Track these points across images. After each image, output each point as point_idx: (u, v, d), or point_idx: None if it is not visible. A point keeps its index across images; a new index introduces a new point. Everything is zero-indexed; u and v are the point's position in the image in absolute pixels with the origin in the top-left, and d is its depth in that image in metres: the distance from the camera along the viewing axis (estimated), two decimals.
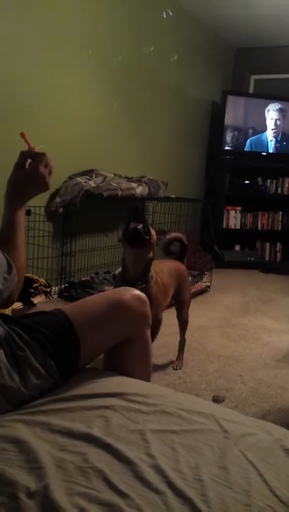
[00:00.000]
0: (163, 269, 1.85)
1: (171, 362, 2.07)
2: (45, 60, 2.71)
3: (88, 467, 0.73)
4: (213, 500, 0.68)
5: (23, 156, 1.03)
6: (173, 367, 2.03)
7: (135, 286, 1.58)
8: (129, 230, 1.60)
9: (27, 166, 1.03)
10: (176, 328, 2.55)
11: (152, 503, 0.66)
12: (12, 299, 0.98)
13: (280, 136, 4.57)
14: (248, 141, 4.54)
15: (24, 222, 1.03)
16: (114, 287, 1.77)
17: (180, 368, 2.03)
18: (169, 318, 2.64)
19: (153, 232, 1.66)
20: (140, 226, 1.58)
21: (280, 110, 4.50)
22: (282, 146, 4.58)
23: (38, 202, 2.74)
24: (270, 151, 4.58)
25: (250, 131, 4.54)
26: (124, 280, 1.67)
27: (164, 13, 1.70)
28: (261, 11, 3.85)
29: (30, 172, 1.01)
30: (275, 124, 4.53)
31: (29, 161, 1.03)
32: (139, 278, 1.65)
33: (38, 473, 0.70)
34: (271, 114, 4.52)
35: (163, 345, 2.25)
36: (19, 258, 0.97)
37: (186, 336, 2.11)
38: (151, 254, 1.67)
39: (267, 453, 0.82)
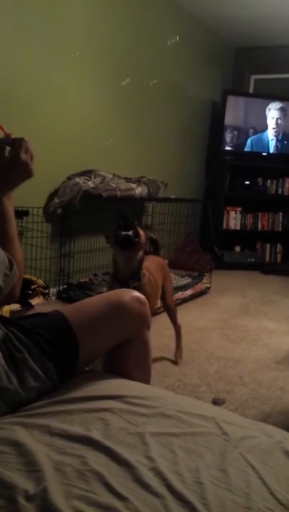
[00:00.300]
0: (150, 265, 1.90)
1: (172, 362, 2.08)
2: (44, 60, 2.71)
3: (87, 470, 0.72)
4: (213, 503, 0.68)
5: (1, 143, 0.99)
6: (175, 356, 2.10)
7: (128, 286, 1.61)
8: (120, 237, 1.63)
9: (7, 155, 0.98)
10: None
11: (151, 506, 0.66)
12: (14, 294, 0.97)
13: (280, 135, 4.57)
14: (249, 140, 4.54)
15: (13, 213, 0.99)
16: (108, 288, 1.80)
17: (181, 357, 2.10)
18: (168, 320, 2.64)
19: (141, 232, 1.70)
20: (130, 232, 1.62)
21: (281, 109, 4.50)
22: (283, 146, 4.58)
23: (37, 203, 2.74)
24: (271, 150, 4.58)
25: (251, 131, 4.54)
26: (117, 280, 1.71)
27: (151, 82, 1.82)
28: (261, 10, 3.86)
29: (11, 159, 0.98)
30: (277, 123, 4.53)
31: (8, 148, 0.99)
32: (131, 277, 1.69)
33: (36, 476, 0.70)
34: (272, 113, 4.52)
35: (163, 347, 2.24)
36: (16, 251, 0.96)
37: (179, 322, 2.19)
38: (141, 253, 1.71)
39: (267, 455, 0.81)
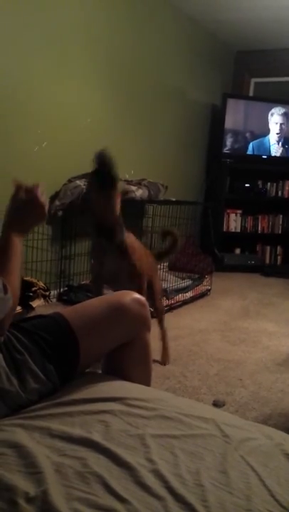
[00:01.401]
0: (138, 246, 1.90)
1: (159, 362, 2.06)
2: (44, 63, 2.72)
3: (87, 472, 0.72)
4: (214, 505, 0.68)
5: (19, 188, 1.03)
6: (162, 359, 2.06)
7: (112, 239, 1.63)
8: (98, 174, 1.63)
9: (23, 197, 1.02)
10: (177, 332, 2.54)
11: (152, 508, 0.66)
12: (3, 325, 0.92)
13: (282, 139, 4.59)
14: (251, 144, 4.55)
15: (20, 250, 1.01)
16: (92, 249, 1.81)
17: (167, 361, 2.07)
18: (170, 322, 2.63)
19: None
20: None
21: (285, 114, 4.52)
22: (285, 150, 4.60)
23: None
24: (273, 154, 4.59)
25: (251, 134, 4.55)
26: (99, 233, 1.71)
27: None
28: (261, 14, 3.87)
29: (28, 201, 1.02)
30: (280, 129, 4.55)
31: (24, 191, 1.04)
32: (112, 229, 1.68)
33: (37, 478, 0.70)
34: (275, 118, 4.53)
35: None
36: (13, 282, 0.93)
37: (165, 327, 2.13)
38: (118, 200, 1.68)
39: (267, 457, 0.81)
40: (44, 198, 1.03)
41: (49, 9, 2.69)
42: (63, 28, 2.81)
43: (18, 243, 0.99)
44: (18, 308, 2.31)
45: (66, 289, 3.00)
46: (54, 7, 2.73)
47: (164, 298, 2.93)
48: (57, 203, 2.85)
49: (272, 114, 4.52)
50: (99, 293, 1.84)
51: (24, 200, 1.01)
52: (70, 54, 2.90)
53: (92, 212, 1.70)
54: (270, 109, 4.52)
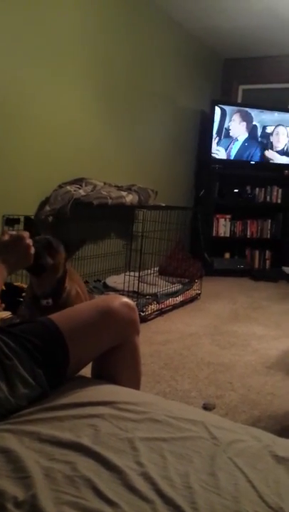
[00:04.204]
0: (77, 276, 1.79)
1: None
2: (34, 69, 2.73)
3: (77, 476, 0.72)
4: (202, 507, 0.68)
5: (4, 233, 1.05)
6: None
7: (40, 306, 1.52)
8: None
9: (7, 238, 1.04)
10: (167, 336, 2.55)
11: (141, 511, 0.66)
12: None
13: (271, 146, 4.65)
14: (240, 150, 4.60)
15: (1, 284, 1.00)
16: (23, 312, 1.68)
17: None
18: (161, 326, 2.64)
19: (60, 251, 1.55)
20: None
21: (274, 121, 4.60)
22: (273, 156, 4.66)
23: (28, 211, 2.74)
24: (261, 160, 4.64)
25: (238, 139, 4.60)
26: (32, 302, 1.59)
27: None
28: (249, 22, 3.93)
29: (15, 239, 1.03)
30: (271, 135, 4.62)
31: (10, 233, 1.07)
32: (46, 295, 1.56)
33: (25, 482, 0.69)
34: (281, 129, 4.61)
35: (153, 353, 2.24)
36: None
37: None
38: (60, 273, 1.56)
39: (256, 459, 0.82)
40: (29, 241, 1.05)
41: (42, 15, 2.70)
42: (55, 35, 2.82)
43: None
44: (8, 314, 2.30)
45: None
46: (46, 13, 2.74)
47: (155, 302, 2.94)
48: (47, 208, 2.85)
49: (277, 133, 4.58)
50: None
51: (9, 240, 1.03)
52: (61, 62, 2.91)
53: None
54: (258, 116, 4.58)
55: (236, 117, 4.57)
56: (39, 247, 1.40)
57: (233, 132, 4.58)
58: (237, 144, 4.59)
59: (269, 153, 4.67)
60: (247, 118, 4.58)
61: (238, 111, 4.60)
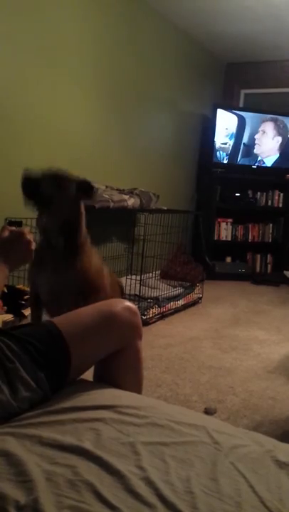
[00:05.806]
0: (99, 260, 1.67)
1: None
2: (33, 73, 2.74)
3: (78, 480, 0.72)
4: None
5: (4, 229, 1.05)
6: None
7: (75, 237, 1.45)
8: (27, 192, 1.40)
9: (7, 234, 1.04)
10: (168, 340, 2.55)
11: None
12: None
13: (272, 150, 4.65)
14: (241, 154, 4.60)
15: (3, 283, 1.01)
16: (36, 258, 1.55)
17: None
18: (162, 330, 2.64)
19: (69, 183, 1.44)
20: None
21: (275, 125, 4.59)
22: (276, 160, 4.67)
23: (30, 213, 2.74)
24: (263, 164, 4.65)
25: (241, 144, 4.61)
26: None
27: None
28: (251, 27, 3.95)
29: (16, 235, 1.04)
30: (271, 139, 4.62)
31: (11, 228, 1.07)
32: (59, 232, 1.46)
33: (27, 486, 0.69)
34: (265, 128, 4.60)
35: (154, 357, 2.24)
36: None
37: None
38: (70, 208, 1.45)
39: (257, 464, 0.82)
40: (31, 236, 1.05)
41: (41, 18, 2.72)
42: (55, 38, 2.84)
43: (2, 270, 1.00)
44: (10, 317, 2.30)
45: None
46: (46, 15, 2.76)
47: (156, 306, 2.94)
48: None
49: (261, 125, 4.59)
50: (38, 319, 1.63)
51: (9, 236, 1.03)
52: (64, 66, 2.93)
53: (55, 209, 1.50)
54: (260, 120, 4.59)
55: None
56: (46, 177, 1.40)
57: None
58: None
59: (271, 158, 4.66)
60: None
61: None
